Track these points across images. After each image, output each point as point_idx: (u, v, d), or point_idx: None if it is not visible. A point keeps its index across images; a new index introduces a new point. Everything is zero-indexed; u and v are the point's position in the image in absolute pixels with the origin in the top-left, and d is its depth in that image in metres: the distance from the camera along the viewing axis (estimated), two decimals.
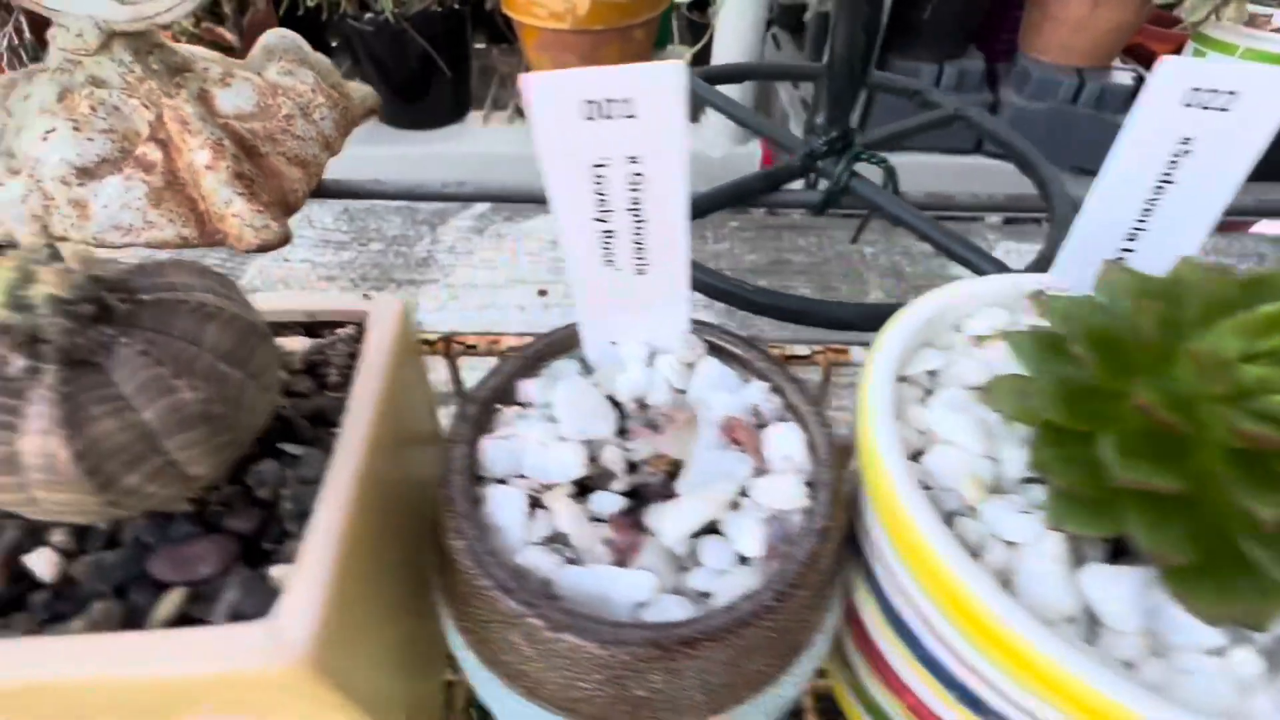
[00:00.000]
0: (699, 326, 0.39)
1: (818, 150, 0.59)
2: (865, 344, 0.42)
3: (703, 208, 0.57)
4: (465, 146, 1.61)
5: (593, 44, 1.52)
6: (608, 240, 0.33)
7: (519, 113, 1.68)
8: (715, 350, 0.39)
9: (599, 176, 0.30)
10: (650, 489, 0.34)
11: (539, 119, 0.27)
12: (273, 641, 0.25)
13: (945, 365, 0.36)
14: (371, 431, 0.33)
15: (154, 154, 0.50)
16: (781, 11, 1.81)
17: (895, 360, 0.34)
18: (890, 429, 0.31)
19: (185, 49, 0.58)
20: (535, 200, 0.61)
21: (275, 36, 0.63)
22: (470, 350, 0.47)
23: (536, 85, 0.26)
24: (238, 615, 0.27)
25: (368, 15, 1.41)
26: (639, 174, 0.30)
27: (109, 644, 0.25)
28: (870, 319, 0.47)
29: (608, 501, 0.33)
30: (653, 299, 0.37)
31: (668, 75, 0.26)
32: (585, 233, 0.32)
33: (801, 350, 0.46)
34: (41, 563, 0.29)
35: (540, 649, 0.29)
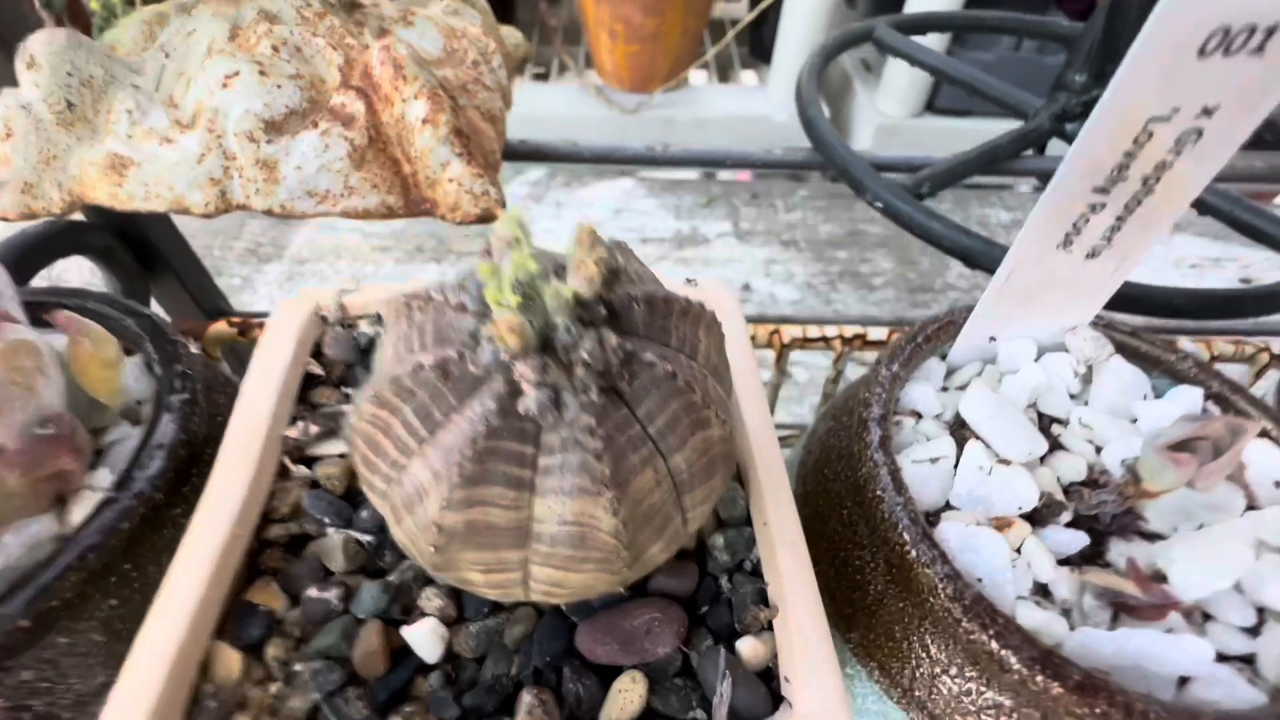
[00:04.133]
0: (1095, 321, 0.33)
1: (1071, 111, 0.52)
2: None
3: (956, 174, 0.50)
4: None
5: None
6: (1088, 215, 0.26)
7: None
8: (1121, 348, 0.33)
9: (1146, 133, 0.23)
10: (1110, 521, 0.28)
11: (1146, 44, 0.20)
12: None
13: None
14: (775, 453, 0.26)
15: (354, 105, 0.41)
16: None
17: None
18: None
19: None
20: (748, 166, 0.54)
21: None
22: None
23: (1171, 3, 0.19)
24: (736, 715, 0.21)
25: None
26: (1198, 130, 0.23)
27: None
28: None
29: (1066, 538, 0.27)
30: (1075, 290, 0.30)
31: None
32: (1074, 202, 0.25)
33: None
34: (425, 637, 0.22)
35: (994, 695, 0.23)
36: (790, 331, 0.40)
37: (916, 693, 0.26)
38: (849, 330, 0.41)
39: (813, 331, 0.41)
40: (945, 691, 0.25)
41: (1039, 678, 0.22)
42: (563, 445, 0.16)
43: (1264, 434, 0.30)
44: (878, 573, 0.27)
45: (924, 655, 0.26)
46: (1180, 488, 0.25)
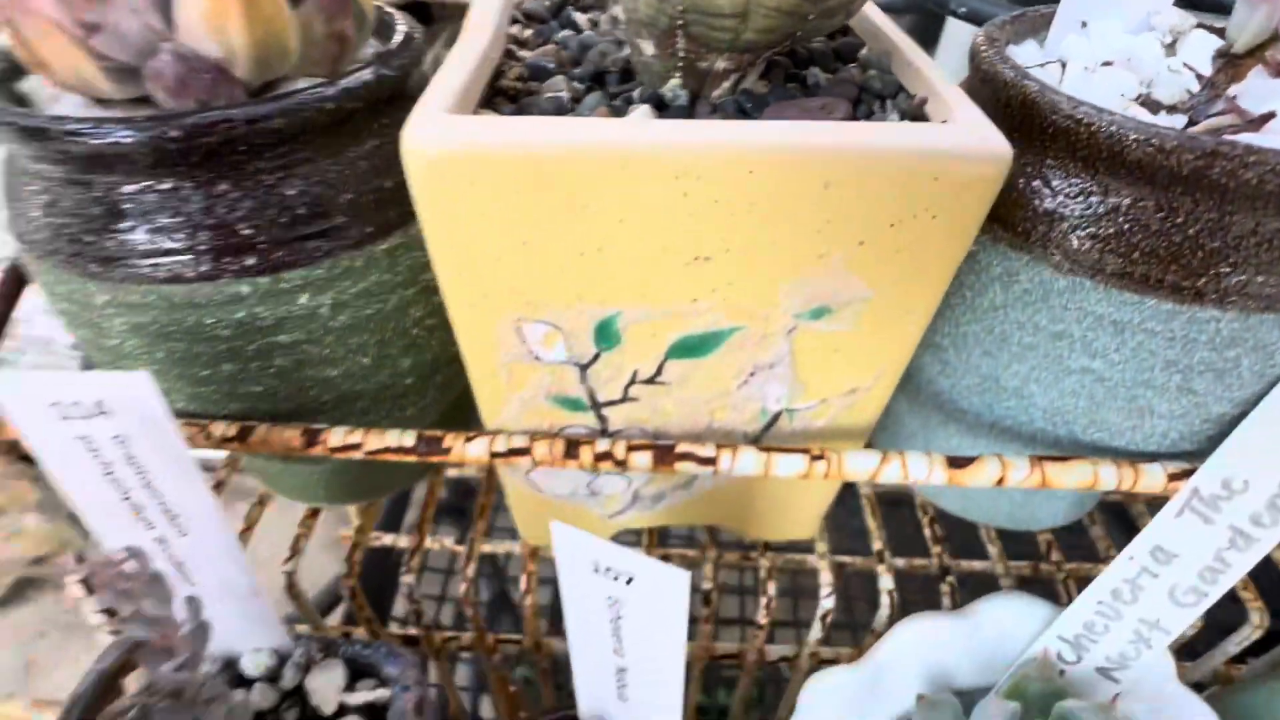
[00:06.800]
0: None
1: None
2: None
3: None
4: None
5: None
6: None
7: None
8: (1201, 26, 0.37)
9: None
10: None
11: None
12: (986, 143, 0.24)
13: None
14: None
15: None
16: None
17: None
18: None
19: None
20: None
21: None
22: None
23: None
24: None
25: None
26: None
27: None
28: None
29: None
30: None
31: None
32: None
33: None
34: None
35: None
36: None
37: (1039, 229, 0.30)
38: None
39: None
40: (1066, 216, 0.29)
41: (1158, 151, 0.26)
42: None
43: None
44: None
45: (1044, 189, 0.30)
46: (1270, 38, 0.29)
